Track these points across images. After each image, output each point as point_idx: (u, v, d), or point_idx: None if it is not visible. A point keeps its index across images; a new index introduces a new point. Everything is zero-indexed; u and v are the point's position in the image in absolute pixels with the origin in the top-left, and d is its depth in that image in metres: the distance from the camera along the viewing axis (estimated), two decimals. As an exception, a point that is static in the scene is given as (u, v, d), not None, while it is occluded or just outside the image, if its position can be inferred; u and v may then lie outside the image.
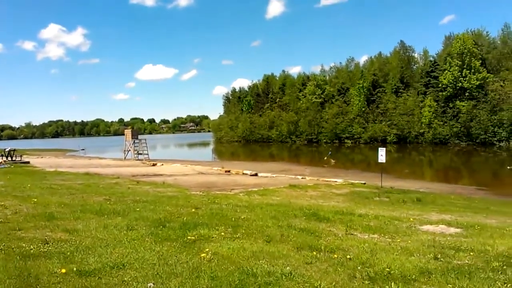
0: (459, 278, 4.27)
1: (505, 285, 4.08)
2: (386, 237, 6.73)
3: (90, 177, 19.08)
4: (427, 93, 64.58)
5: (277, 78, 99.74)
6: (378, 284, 4.01)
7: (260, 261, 4.58)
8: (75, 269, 4.02)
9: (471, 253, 5.49)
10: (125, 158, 45.79)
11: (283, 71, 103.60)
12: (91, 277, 3.84)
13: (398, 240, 6.41)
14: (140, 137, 48.89)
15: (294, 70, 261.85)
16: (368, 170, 31.72)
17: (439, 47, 77.16)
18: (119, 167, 29.84)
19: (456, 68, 59.73)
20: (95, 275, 3.91)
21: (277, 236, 6.09)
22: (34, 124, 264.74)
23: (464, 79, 59.21)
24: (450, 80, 60.30)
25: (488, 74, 58.97)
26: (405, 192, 17.68)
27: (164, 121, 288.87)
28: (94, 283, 3.72)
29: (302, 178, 22.75)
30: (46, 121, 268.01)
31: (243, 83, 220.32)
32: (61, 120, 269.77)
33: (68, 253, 4.63)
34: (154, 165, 33.38)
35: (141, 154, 44.79)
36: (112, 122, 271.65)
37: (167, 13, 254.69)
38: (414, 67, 74.68)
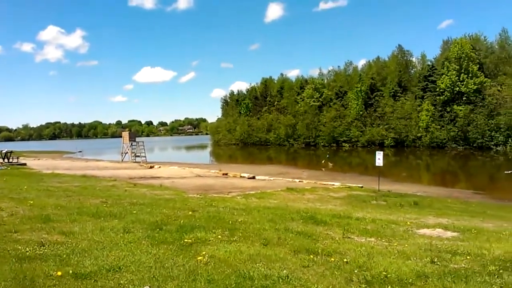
0: (456, 282, 4.28)
1: (502, 289, 4.08)
2: (383, 240, 6.74)
3: (87, 179, 19.03)
4: (425, 97, 64.77)
5: (275, 81, 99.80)
6: (375, 287, 4.01)
7: (257, 264, 4.57)
8: (71, 271, 4.00)
9: (468, 257, 5.50)
10: (122, 160, 45.68)
11: (282, 74, 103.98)
12: (87, 280, 3.82)
13: (395, 244, 6.41)
14: (137, 139, 48.80)
15: (293, 74, 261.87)
16: (365, 174, 31.76)
17: (437, 52, 77.80)
18: (116, 170, 29.77)
19: (454, 72, 59.97)
20: (91, 278, 3.89)
21: (274, 239, 6.08)
22: (31, 126, 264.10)
23: (462, 83, 59.44)
24: (448, 85, 60.53)
25: (486, 79, 59.25)
26: (402, 195, 17.70)
27: (162, 124, 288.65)
28: (90, 286, 3.71)
29: (299, 181, 22.76)
30: (43, 123, 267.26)
31: (241, 86, 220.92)
32: (59, 122, 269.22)
33: (64, 256, 4.61)
34: (151, 167, 33.34)
35: (138, 156, 44.74)
36: (110, 124, 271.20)
37: (166, 16, 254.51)
38: (412, 71, 74.95)
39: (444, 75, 61.42)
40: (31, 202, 8.91)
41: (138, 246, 5.18)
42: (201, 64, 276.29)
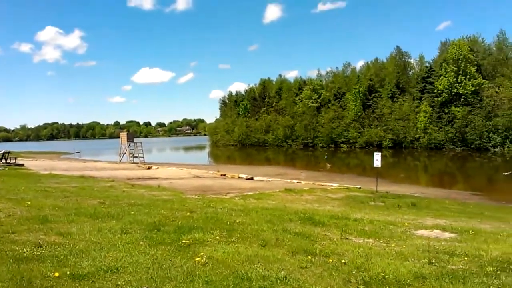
0: (453, 283, 4.29)
1: (499, 290, 4.09)
2: (381, 241, 6.74)
3: (85, 180, 18.99)
4: (423, 98, 64.95)
5: (274, 82, 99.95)
6: (372, 288, 4.01)
7: (255, 265, 4.57)
8: (68, 272, 3.99)
9: (465, 258, 5.51)
10: (120, 161, 45.60)
11: (280, 75, 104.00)
12: (84, 281, 3.82)
13: (393, 245, 6.42)
14: (135, 140, 48.81)
15: (291, 75, 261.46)
16: (363, 175, 31.79)
17: (435, 53, 77.65)
18: (114, 170, 29.72)
19: (452, 74, 60.13)
20: (89, 279, 3.88)
21: (272, 240, 6.08)
22: (29, 127, 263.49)
23: (460, 85, 59.60)
24: (446, 86, 60.69)
25: (483, 80, 59.42)
26: (400, 196, 17.71)
27: (160, 124, 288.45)
28: (88, 287, 3.70)
29: (297, 182, 22.75)
30: (41, 124, 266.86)
31: (239, 87, 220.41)
32: (57, 123, 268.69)
33: (62, 257, 4.60)
34: (149, 168, 33.30)
35: (136, 157, 44.69)
36: (108, 125, 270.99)
37: (165, 16, 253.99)
38: (410, 72, 75.08)
39: (442, 77, 61.59)
40: (29, 202, 8.88)
41: (136, 247, 5.17)
42: (199, 65, 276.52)
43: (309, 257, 5.09)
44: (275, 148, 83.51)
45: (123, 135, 48.70)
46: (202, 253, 4.93)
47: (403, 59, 75.05)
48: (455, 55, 60.05)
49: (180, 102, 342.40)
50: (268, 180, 23.58)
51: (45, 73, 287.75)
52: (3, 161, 29.29)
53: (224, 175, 26.49)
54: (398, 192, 19.94)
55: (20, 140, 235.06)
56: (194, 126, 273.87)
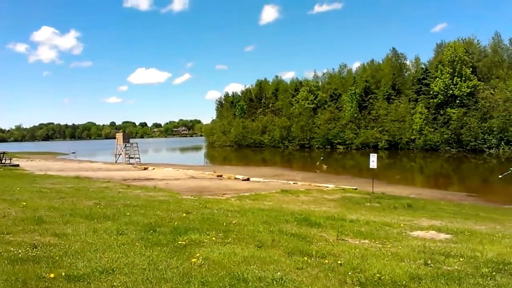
0: (449, 284, 4.30)
1: (494, 291, 4.11)
2: (377, 242, 6.76)
3: (80, 180, 18.92)
4: (419, 100, 65.21)
5: (270, 83, 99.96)
6: (368, 289, 4.02)
7: (251, 266, 4.57)
8: (63, 273, 3.97)
9: (461, 259, 5.53)
10: (116, 162, 45.48)
11: (276, 76, 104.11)
12: (79, 282, 3.80)
13: (389, 246, 6.43)
14: (131, 140, 48.68)
15: (287, 76, 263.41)
16: (359, 176, 31.81)
17: (430, 55, 78.19)
18: (110, 171, 29.63)
19: (447, 75, 60.43)
20: (84, 280, 3.86)
21: (268, 241, 6.08)
22: (24, 127, 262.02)
23: (455, 86, 59.90)
24: (441, 88, 60.98)
25: (479, 82, 59.73)
26: (396, 198, 17.77)
27: (156, 125, 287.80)
28: (83, 288, 3.68)
29: (294, 183, 22.77)
30: (36, 124, 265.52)
31: (236, 88, 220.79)
32: (52, 123, 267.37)
33: (57, 258, 4.57)
34: (145, 169, 33.22)
35: (132, 158, 44.61)
36: (103, 125, 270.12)
37: (161, 17, 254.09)
38: (406, 74, 75.43)
39: (437, 78, 61.88)
40: (24, 203, 8.82)
41: (132, 248, 5.15)
42: (196, 65, 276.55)
43: (305, 258, 5.10)
44: (271, 149, 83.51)
45: (119, 135, 48.58)
46: (198, 254, 4.92)
47: (399, 61, 75.36)
48: (451, 57, 60.35)
49: (176, 103, 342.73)
50: (264, 181, 23.58)
51: (40, 73, 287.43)
52: (-2, 161, 29.12)
53: (221, 176, 26.47)
54: (394, 193, 20.01)
55: (15, 140, 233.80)
56: (190, 127, 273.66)
